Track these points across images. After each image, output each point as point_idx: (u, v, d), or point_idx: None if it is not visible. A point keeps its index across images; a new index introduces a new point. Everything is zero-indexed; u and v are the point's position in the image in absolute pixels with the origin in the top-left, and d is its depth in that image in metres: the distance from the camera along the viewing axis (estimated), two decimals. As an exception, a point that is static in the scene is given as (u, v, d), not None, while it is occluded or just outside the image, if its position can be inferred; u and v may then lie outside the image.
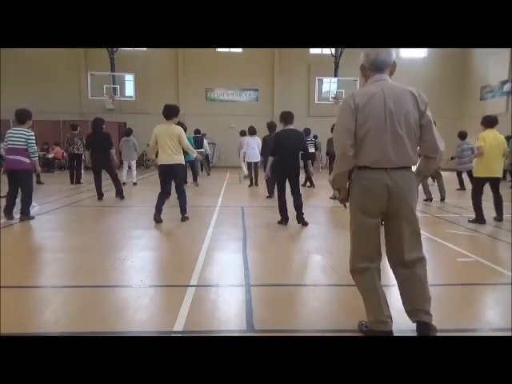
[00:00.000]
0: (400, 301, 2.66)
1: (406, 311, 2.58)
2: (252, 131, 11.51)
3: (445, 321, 2.91)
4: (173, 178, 6.28)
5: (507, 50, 16.66)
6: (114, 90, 18.50)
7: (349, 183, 2.55)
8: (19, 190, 6.29)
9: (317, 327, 2.82)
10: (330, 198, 8.58)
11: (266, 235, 5.64)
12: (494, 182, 6.42)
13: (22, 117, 6.18)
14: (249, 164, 11.83)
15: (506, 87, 17.05)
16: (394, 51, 2.51)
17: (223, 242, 5.15)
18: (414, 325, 2.75)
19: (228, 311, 3.00)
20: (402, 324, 2.79)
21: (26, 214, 6.27)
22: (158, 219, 6.19)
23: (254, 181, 11.64)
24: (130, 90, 19.97)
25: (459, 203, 8.63)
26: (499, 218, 6.50)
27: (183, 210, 6.42)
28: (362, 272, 2.55)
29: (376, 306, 2.49)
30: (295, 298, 3.37)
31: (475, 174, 6.53)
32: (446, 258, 4.53)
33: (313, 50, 20.74)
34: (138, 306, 3.05)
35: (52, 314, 2.93)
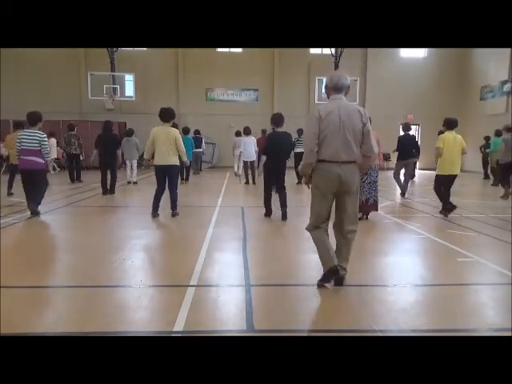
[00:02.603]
0: (401, 302, 2.90)
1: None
2: (247, 131, 11.79)
3: (445, 321, 2.91)
4: (167, 177, 6.59)
5: (507, 50, 16.62)
6: (114, 89, 18.49)
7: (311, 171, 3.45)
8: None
9: (317, 327, 2.82)
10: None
11: (266, 235, 5.64)
12: (452, 179, 7.06)
13: (34, 119, 6.48)
14: (245, 163, 12.15)
15: (506, 87, 17.03)
16: (348, 78, 3.50)
17: (223, 241, 5.15)
18: (414, 325, 2.78)
19: (228, 311, 3.00)
20: (402, 324, 2.79)
21: (35, 210, 6.55)
22: (155, 215, 6.59)
23: (252, 179, 11.95)
24: (129, 90, 19.95)
25: (459, 203, 8.63)
26: (446, 210, 7.03)
27: (174, 207, 6.75)
28: (316, 228, 3.50)
29: (326, 254, 3.44)
30: (295, 298, 3.37)
31: (436, 172, 7.23)
32: (446, 258, 4.53)
33: (313, 50, 20.71)
34: (137, 306, 3.05)
35: (52, 313, 2.93)
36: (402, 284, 3.68)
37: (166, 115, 6.54)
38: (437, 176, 7.20)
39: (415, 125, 20.48)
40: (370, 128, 3.40)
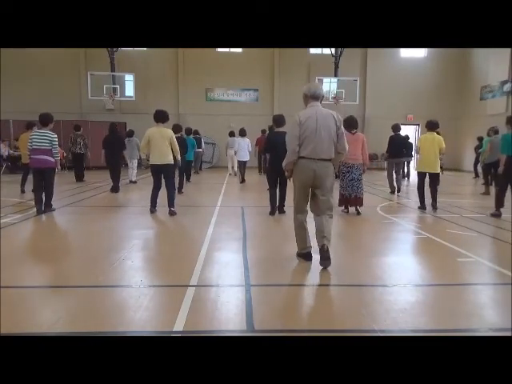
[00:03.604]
0: (401, 302, 2.94)
1: (317, 237, 4.07)
2: (242, 133, 12.62)
3: (445, 321, 2.91)
4: (163, 176, 6.93)
5: (507, 50, 16.60)
6: (114, 89, 18.48)
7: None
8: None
9: (317, 327, 2.82)
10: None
11: (266, 235, 5.64)
12: (432, 176, 7.67)
13: (46, 120, 6.90)
14: (239, 162, 12.85)
15: (506, 87, 17.01)
16: (323, 89, 4.23)
17: (223, 241, 5.15)
18: (414, 325, 2.78)
19: (228, 311, 3.00)
20: (402, 324, 2.79)
21: (49, 207, 6.98)
22: (153, 211, 6.94)
23: (242, 177, 12.62)
24: (129, 90, 19.92)
25: (459, 203, 8.63)
26: (434, 205, 7.66)
27: (171, 204, 6.96)
28: (299, 213, 4.21)
29: (302, 239, 4.22)
30: (295, 298, 3.37)
31: (416, 169, 8.02)
32: (446, 258, 4.53)
33: (313, 50, 20.71)
34: (137, 306, 3.05)
35: (52, 313, 2.93)
36: (402, 284, 3.68)
37: (161, 116, 6.89)
38: (417, 174, 7.93)
39: (415, 125, 20.49)
40: (343, 130, 4.11)
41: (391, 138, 10.35)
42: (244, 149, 12.44)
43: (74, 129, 12.48)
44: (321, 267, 3.94)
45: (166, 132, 6.84)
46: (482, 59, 18.98)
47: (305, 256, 4.21)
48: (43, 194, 6.89)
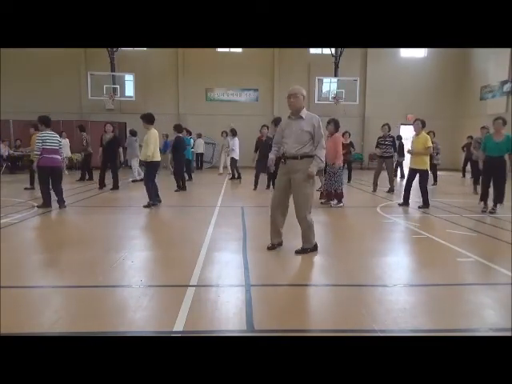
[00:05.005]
0: (401, 302, 2.96)
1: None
2: (233, 133, 13.53)
3: (445, 321, 2.91)
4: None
5: (507, 50, 16.61)
6: (114, 89, 18.51)
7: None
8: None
9: (317, 327, 2.82)
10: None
11: (266, 235, 5.63)
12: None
13: (49, 122, 7.41)
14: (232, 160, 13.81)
15: (506, 87, 17.02)
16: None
17: (223, 241, 5.15)
18: (414, 325, 2.79)
19: (228, 311, 3.00)
20: (402, 324, 2.80)
21: (63, 202, 7.46)
22: (159, 201, 7.80)
23: (234, 175, 13.53)
24: (129, 90, 19.95)
25: (459, 203, 8.63)
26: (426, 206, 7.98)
27: (157, 195, 8.01)
28: (311, 217, 4.53)
29: (314, 234, 4.55)
30: (295, 298, 3.37)
31: (427, 169, 7.86)
32: (446, 258, 4.53)
33: (313, 50, 20.71)
34: (137, 306, 3.05)
35: (52, 313, 2.93)
36: (402, 284, 3.68)
37: (153, 119, 7.78)
38: (427, 172, 7.89)
39: (415, 125, 20.49)
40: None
41: (395, 138, 10.76)
42: (236, 148, 13.29)
43: (79, 129, 12.63)
44: (321, 266, 3.95)
45: (157, 133, 7.97)
46: (482, 59, 18.98)
47: (316, 246, 4.63)
48: (51, 191, 7.39)
